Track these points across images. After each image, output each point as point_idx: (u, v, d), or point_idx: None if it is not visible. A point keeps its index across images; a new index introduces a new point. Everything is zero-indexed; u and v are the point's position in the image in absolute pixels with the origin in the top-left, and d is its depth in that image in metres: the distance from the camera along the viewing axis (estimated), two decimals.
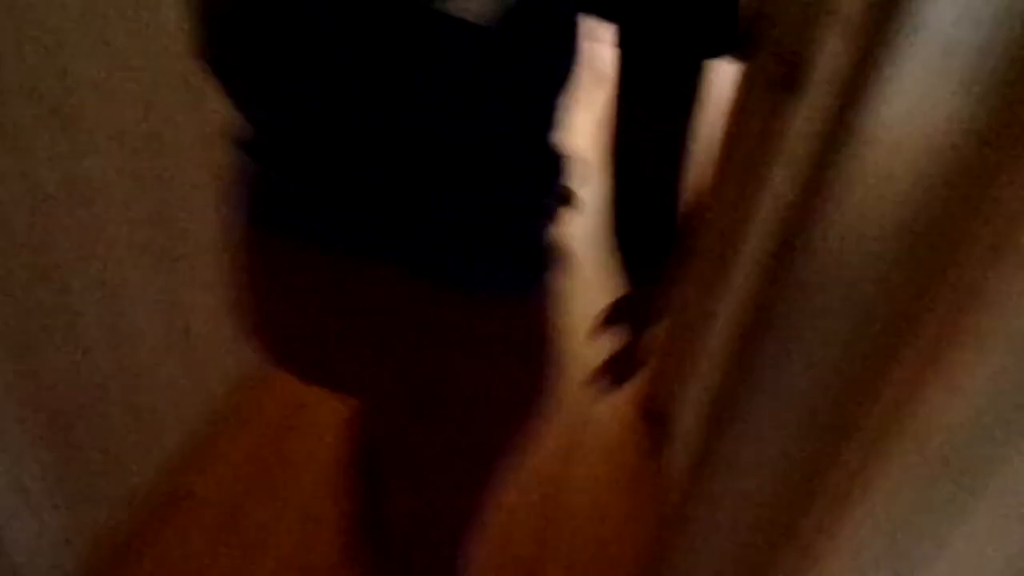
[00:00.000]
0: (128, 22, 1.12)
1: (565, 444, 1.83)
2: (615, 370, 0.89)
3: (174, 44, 1.23)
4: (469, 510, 0.88)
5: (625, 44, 0.64)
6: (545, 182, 0.72)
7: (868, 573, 0.67)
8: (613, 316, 0.85)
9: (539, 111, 0.66)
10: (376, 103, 0.62)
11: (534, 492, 1.69)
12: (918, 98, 0.73)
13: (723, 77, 1.44)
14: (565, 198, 0.75)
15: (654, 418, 1.90)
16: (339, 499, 1.31)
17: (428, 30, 0.57)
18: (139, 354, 1.33)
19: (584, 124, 0.94)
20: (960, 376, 0.53)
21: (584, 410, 1.92)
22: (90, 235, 1.15)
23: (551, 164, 0.72)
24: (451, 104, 0.61)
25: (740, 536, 0.98)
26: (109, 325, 1.23)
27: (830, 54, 1.07)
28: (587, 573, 1.54)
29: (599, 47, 0.68)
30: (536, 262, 0.75)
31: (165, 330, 1.40)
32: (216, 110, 1.32)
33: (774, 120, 1.31)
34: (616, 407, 1.95)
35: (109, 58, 1.10)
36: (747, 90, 1.39)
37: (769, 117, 1.36)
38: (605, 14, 0.62)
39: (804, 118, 1.14)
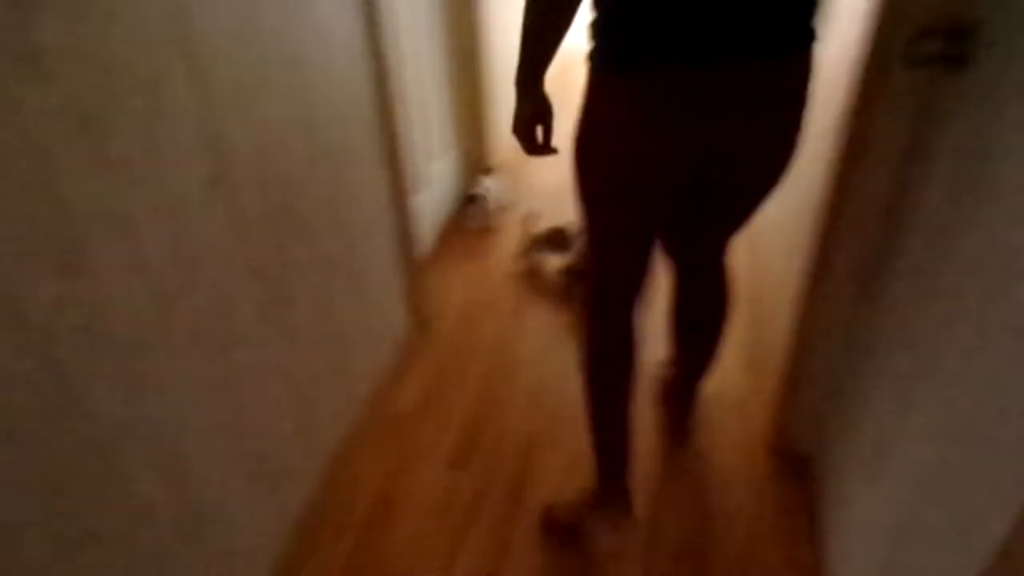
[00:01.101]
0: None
1: (699, 484, 1.61)
2: None
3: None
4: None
5: None
6: None
7: None
8: None
9: None
10: None
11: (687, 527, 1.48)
12: None
13: (835, 60, 1.26)
14: None
15: (783, 456, 1.71)
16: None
17: None
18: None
19: None
20: None
21: (710, 445, 1.71)
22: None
23: None
24: None
25: None
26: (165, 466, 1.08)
27: None
28: None
29: None
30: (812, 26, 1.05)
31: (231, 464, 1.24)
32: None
33: (940, 103, 1.07)
34: (744, 440, 1.74)
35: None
36: (876, 71, 1.15)
37: (927, 101, 1.12)
38: None
39: (992, 100, 0.89)
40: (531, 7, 1.11)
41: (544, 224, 2.38)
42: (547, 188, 2.97)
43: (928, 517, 0.97)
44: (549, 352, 2.09)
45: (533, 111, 1.24)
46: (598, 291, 1.34)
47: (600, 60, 1.11)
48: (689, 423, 1.79)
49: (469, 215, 2.62)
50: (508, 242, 2.59)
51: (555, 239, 2.34)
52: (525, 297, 2.32)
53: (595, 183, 1.21)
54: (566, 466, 1.72)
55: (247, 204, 1.19)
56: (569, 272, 2.30)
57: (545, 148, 1.29)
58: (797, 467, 1.68)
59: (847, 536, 1.33)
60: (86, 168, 0.85)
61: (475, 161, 2.81)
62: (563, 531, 1.53)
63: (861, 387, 1.34)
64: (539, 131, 1.26)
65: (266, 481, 1.35)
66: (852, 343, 1.42)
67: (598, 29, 1.10)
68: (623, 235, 1.26)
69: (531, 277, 2.37)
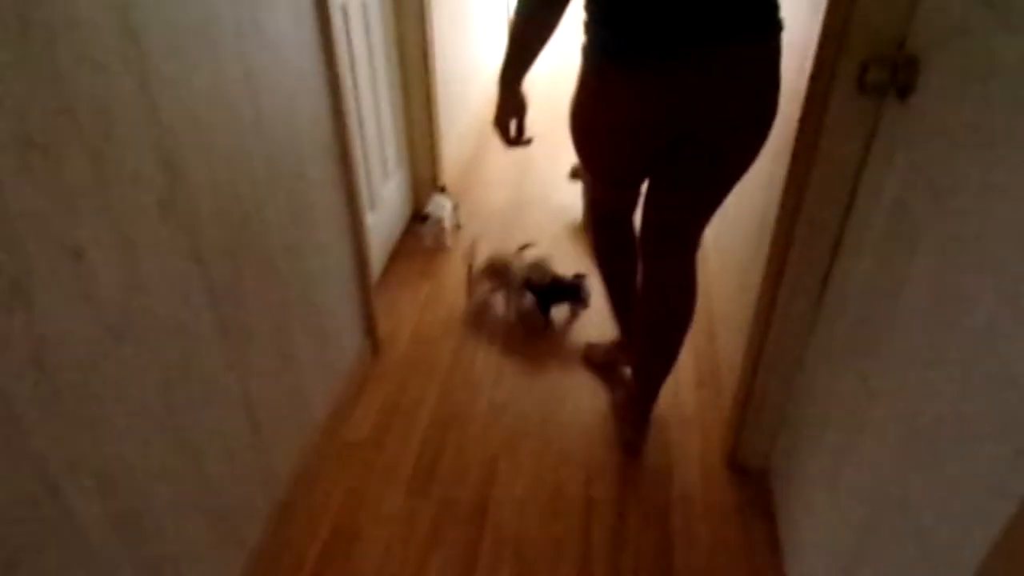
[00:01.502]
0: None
1: (659, 500, 1.63)
2: None
3: None
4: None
5: None
6: None
7: None
8: None
9: None
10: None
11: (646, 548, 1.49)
12: None
13: (787, 87, 1.31)
14: None
15: (741, 471, 1.75)
16: None
17: None
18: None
19: None
20: None
21: (668, 462, 1.73)
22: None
23: None
24: None
25: None
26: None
27: (979, 51, 0.87)
28: None
29: None
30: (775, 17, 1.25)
31: None
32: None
33: (886, 131, 1.12)
34: (702, 457, 1.77)
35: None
36: (822, 100, 1.20)
37: (874, 129, 1.17)
38: None
39: (937, 128, 0.94)
40: (518, 21, 1.31)
41: (485, 251, 2.35)
42: (495, 207, 2.98)
43: (888, 527, 1.00)
44: (505, 370, 2.08)
45: (513, 107, 1.44)
46: (599, 213, 1.72)
47: (593, 53, 1.33)
48: (645, 433, 1.83)
49: (422, 234, 2.60)
50: (460, 262, 2.58)
51: (496, 272, 2.29)
52: (480, 314, 2.31)
53: (591, 145, 1.45)
54: (528, 485, 1.71)
55: (202, 228, 1.15)
56: (518, 312, 2.30)
57: (519, 140, 1.51)
58: (755, 480, 1.71)
59: (808, 547, 1.36)
60: (33, 194, 0.80)
61: (425, 181, 2.80)
62: (600, 367, 2.07)
63: (816, 399, 1.38)
64: (513, 125, 1.48)
65: (222, 514, 1.29)
66: (806, 356, 1.47)
67: (591, 27, 1.31)
68: (615, 182, 1.56)
69: (479, 314, 2.35)
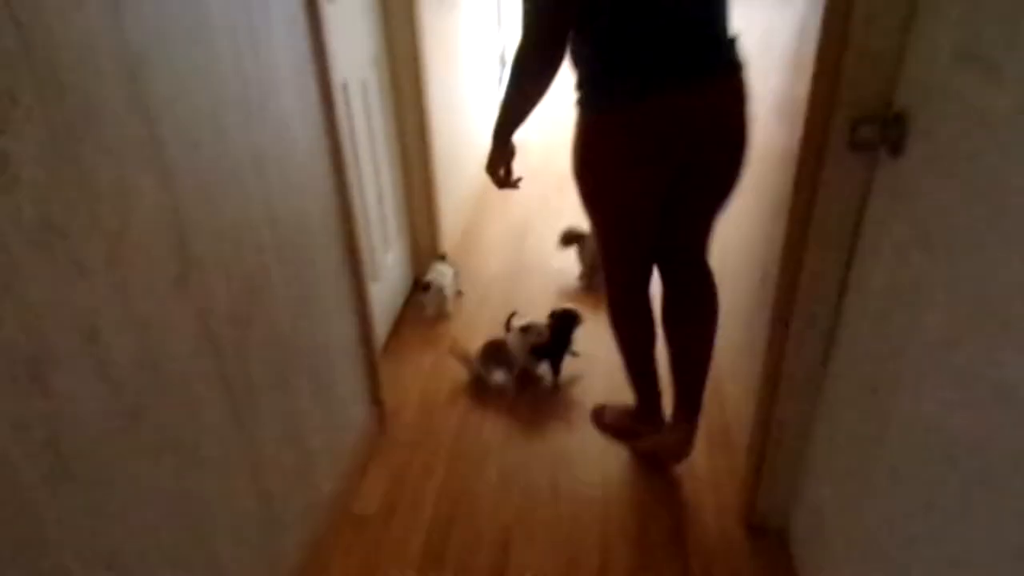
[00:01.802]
0: None
1: (677, 568, 1.58)
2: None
3: None
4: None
5: None
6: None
7: None
8: None
9: None
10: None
11: None
12: None
13: (770, 144, 1.36)
14: None
15: (758, 532, 1.71)
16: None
17: None
18: None
19: None
20: None
21: (683, 526, 1.69)
22: None
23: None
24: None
25: None
26: None
27: (961, 104, 0.91)
28: None
29: None
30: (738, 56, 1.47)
31: None
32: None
33: (880, 187, 1.15)
34: (718, 519, 1.73)
35: None
36: (816, 157, 1.23)
37: (868, 185, 1.20)
38: None
39: (929, 182, 0.97)
40: (511, 88, 1.47)
41: (469, 331, 2.35)
42: (494, 273, 3.01)
43: None
44: (514, 437, 2.06)
45: (504, 156, 1.65)
46: (621, 288, 1.78)
47: (601, 99, 1.47)
48: (693, 438, 1.88)
49: (424, 303, 2.61)
50: (463, 328, 2.58)
51: (493, 353, 2.27)
52: (484, 384, 2.30)
53: (611, 192, 1.58)
54: (543, 556, 1.67)
55: (212, 305, 1.16)
56: (518, 380, 2.29)
57: (509, 181, 1.70)
58: (775, 541, 1.67)
59: None
60: (53, 277, 0.82)
61: (426, 250, 2.83)
62: (609, 428, 2.08)
63: (832, 456, 1.37)
64: (502, 171, 1.67)
65: None
66: (818, 411, 1.46)
67: (594, 77, 1.47)
68: (635, 234, 1.65)
69: (480, 392, 2.33)
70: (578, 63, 1.47)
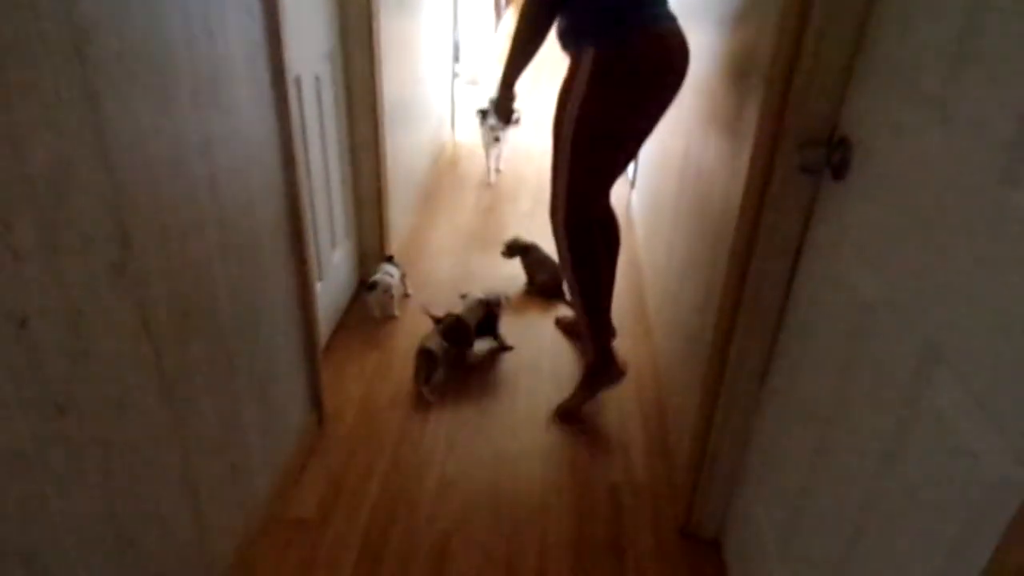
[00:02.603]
0: None
1: (613, 573, 1.60)
2: None
3: None
4: None
5: None
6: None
7: None
8: None
9: None
10: None
11: None
12: None
13: (725, 166, 1.40)
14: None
15: (694, 541, 1.75)
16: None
17: None
18: None
19: None
20: None
21: (620, 532, 1.71)
22: None
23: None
24: None
25: None
26: None
27: (902, 132, 0.95)
28: None
29: None
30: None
31: None
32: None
33: (826, 212, 1.19)
34: (655, 528, 1.75)
35: None
36: (764, 179, 1.27)
37: (813, 208, 1.24)
38: None
39: (879, 209, 1.01)
40: (520, 36, 1.79)
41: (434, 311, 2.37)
42: (442, 277, 2.99)
43: None
44: (456, 442, 2.05)
45: (511, 98, 1.99)
46: (595, 213, 1.99)
47: (608, 33, 1.68)
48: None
49: (370, 303, 2.57)
50: (409, 331, 2.56)
51: (455, 328, 2.33)
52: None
53: (615, 123, 1.79)
54: (482, 557, 1.66)
55: (151, 296, 1.11)
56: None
57: (512, 120, 2.14)
58: (709, 549, 1.71)
59: None
60: None
61: (373, 251, 2.80)
62: (575, 417, 2.16)
63: (767, 468, 1.41)
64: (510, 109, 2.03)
65: None
66: (755, 424, 1.50)
67: (596, 21, 1.70)
68: (632, 155, 1.96)
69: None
70: (581, 10, 1.72)
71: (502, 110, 2.03)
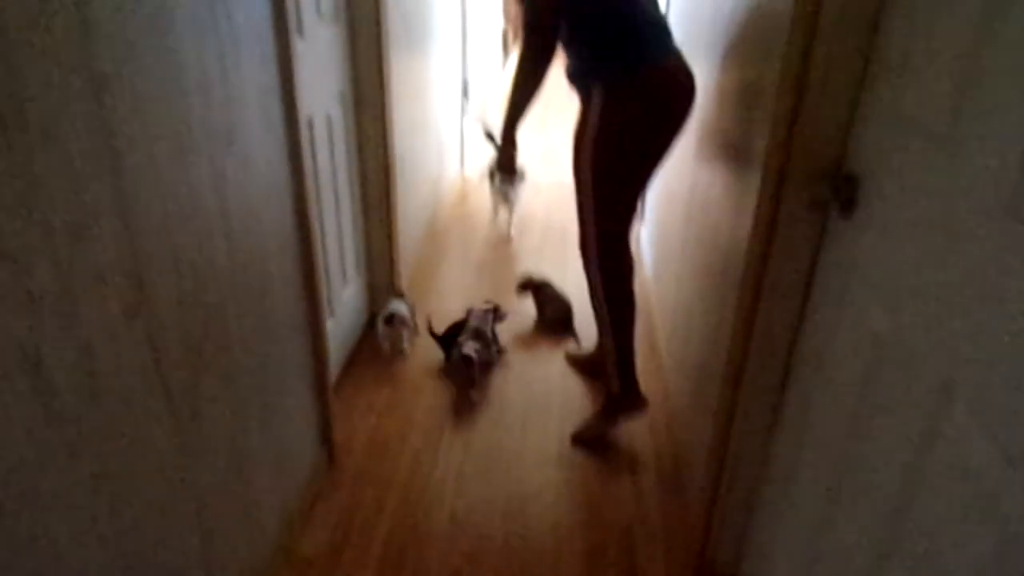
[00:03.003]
0: None
1: None
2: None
3: None
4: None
5: None
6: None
7: None
8: None
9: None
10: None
11: None
12: None
13: (735, 202, 1.41)
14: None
15: (708, 574, 1.70)
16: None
17: None
18: None
19: None
20: None
21: (633, 571, 1.69)
22: None
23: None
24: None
25: None
26: None
27: (909, 168, 0.96)
28: None
29: None
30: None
31: None
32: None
33: (835, 249, 1.19)
34: (668, 566, 1.72)
35: None
36: (772, 215, 1.28)
37: (822, 246, 1.24)
38: None
39: (886, 247, 1.01)
40: (518, 89, 1.80)
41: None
42: (453, 314, 3.00)
43: None
44: (467, 479, 2.03)
45: (513, 150, 1.98)
46: (624, 242, 1.93)
47: (620, 68, 1.71)
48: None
49: (380, 339, 2.58)
50: (419, 367, 2.56)
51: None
52: (439, 422, 2.27)
53: (631, 154, 1.80)
54: None
55: (164, 336, 1.12)
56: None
57: (516, 175, 2.37)
58: None
59: None
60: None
61: (383, 287, 2.81)
62: (594, 444, 2.17)
63: (783, 502, 1.39)
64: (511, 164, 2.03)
65: None
66: (768, 461, 1.48)
67: (606, 57, 1.72)
68: (637, 196, 1.90)
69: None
70: (587, 50, 1.75)
71: (505, 163, 2.02)
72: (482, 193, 4.38)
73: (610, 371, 2.10)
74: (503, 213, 3.84)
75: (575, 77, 1.83)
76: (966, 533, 0.77)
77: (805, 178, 1.20)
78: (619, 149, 1.79)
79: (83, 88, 0.90)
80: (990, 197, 0.77)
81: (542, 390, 2.44)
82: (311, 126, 2.00)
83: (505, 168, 2.04)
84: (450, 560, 1.75)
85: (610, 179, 1.82)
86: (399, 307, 2.59)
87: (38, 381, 0.85)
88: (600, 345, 2.14)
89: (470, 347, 2.37)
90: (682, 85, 1.77)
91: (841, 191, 1.13)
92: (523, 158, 2.12)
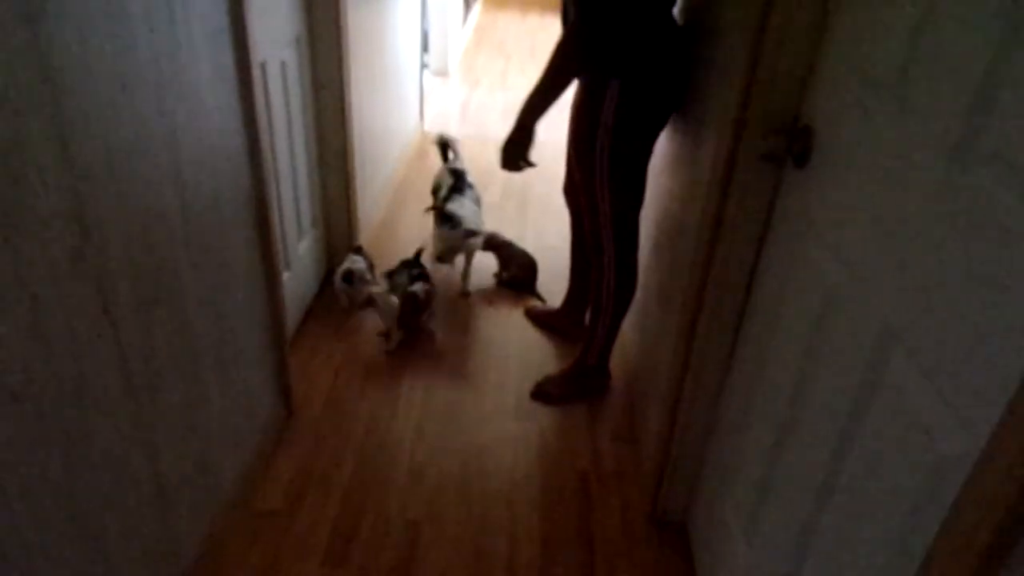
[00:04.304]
0: None
1: (582, 559, 1.62)
2: None
3: None
4: None
5: None
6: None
7: None
8: None
9: None
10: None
11: None
12: None
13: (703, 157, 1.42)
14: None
15: (661, 526, 1.77)
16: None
17: None
18: None
19: None
20: None
21: (588, 518, 1.73)
22: None
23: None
24: None
25: None
26: None
27: (860, 119, 0.98)
28: None
29: None
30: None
31: None
32: None
33: (789, 199, 1.22)
34: (622, 514, 1.78)
35: None
36: (728, 167, 1.29)
37: (777, 195, 1.26)
38: None
39: (839, 195, 1.03)
40: (551, 80, 1.72)
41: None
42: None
43: (808, 573, 1.04)
44: (425, 431, 2.05)
45: (529, 140, 1.83)
46: (633, 227, 1.92)
47: (634, 67, 1.70)
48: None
49: (339, 292, 2.55)
50: (376, 320, 2.54)
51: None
52: (397, 375, 2.27)
53: (645, 144, 1.83)
54: (452, 545, 1.67)
55: (113, 283, 1.09)
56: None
57: (528, 163, 1.88)
58: (676, 534, 1.74)
59: None
60: None
61: (340, 241, 2.77)
62: (551, 400, 2.20)
63: (731, 451, 1.43)
64: (522, 154, 1.86)
65: None
66: (720, 407, 1.53)
67: (627, 56, 1.69)
68: (643, 185, 1.89)
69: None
70: (603, 41, 1.67)
71: (513, 154, 1.84)
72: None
73: (593, 347, 2.13)
74: (450, 265, 2.83)
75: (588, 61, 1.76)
76: (903, 467, 0.81)
77: (762, 129, 1.22)
78: (639, 134, 1.79)
79: (14, 17, 0.85)
80: (935, 147, 0.79)
81: (501, 345, 2.46)
82: (264, 71, 1.93)
83: (512, 162, 1.85)
84: (409, 510, 1.77)
85: (627, 163, 1.81)
86: (357, 263, 2.56)
87: None
88: (591, 323, 2.11)
89: (417, 287, 2.38)
90: (687, 70, 1.77)
91: (796, 143, 1.15)
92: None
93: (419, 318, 2.40)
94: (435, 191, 2.86)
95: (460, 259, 2.76)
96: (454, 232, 2.55)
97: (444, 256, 2.66)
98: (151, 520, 1.28)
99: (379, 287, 2.40)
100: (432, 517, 1.76)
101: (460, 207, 2.61)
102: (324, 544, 1.66)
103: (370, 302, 2.38)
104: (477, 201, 2.81)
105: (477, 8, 7.05)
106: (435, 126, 4.65)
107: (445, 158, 2.99)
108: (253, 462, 1.78)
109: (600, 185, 1.82)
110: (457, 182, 2.79)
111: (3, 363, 0.86)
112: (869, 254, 0.93)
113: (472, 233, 2.57)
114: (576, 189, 2.03)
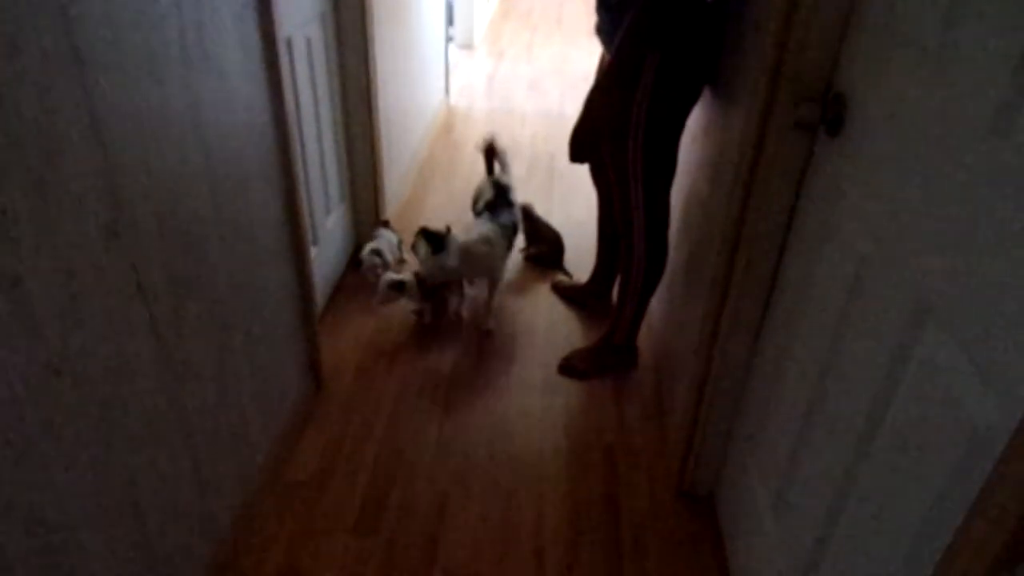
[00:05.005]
0: None
1: (610, 534, 1.63)
2: None
3: None
4: None
5: None
6: None
7: None
8: None
9: None
10: None
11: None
12: None
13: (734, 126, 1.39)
14: None
15: (689, 499, 1.77)
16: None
17: None
18: None
19: None
20: None
21: (616, 493, 1.74)
22: None
23: None
24: None
25: None
26: None
27: (897, 84, 0.94)
28: None
29: None
30: None
31: None
32: None
33: (821, 168, 1.19)
34: (650, 487, 1.79)
35: None
36: (759, 135, 1.26)
37: (808, 165, 1.24)
38: None
39: (873, 164, 1.00)
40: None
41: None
42: None
43: (835, 551, 1.04)
44: (454, 404, 2.07)
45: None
46: (666, 193, 1.89)
47: (671, 42, 1.69)
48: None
49: (366, 266, 2.57)
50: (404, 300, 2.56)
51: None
52: (425, 350, 2.29)
53: (680, 119, 1.82)
54: (480, 517, 1.69)
55: (145, 259, 1.11)
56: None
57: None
58: (704, 508, 1.74)
59: (756, 565, 1.38)
60: None
61: (368, 216, 2.79)
62: (576, 375, 2.20)
63: (760, 426, 1.42)
64: None
65: (160, 559, 1.22)
66: (748, 384, 1.51)
67: (665, 32, 1.70)
68: (675, 161, 1.88)
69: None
70: (643, 14, 1.69)
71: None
72: (469, 122, 4.30)
73: (621, 326, 2.13)
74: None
75: (624, 38, 1.74)
76: (935, 439, 0.80)
77: (794, 97, 1.18)
78: (676, 108, 1.79)
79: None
80: (976, 114, 0.76)
81: (527, 320, 2.46)
82: (290, 47, 1.93)
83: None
84: (437, 483, 1.80)
85: (662, 138, 1.80)
86: (387, 237, 2.57)
87: (17, 300, 0.84)
88: (619, 302, 2.10)
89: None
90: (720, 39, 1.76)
91: (828, 110, 1.12)
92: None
93: (441, 290, 2.38)
94: (474, 202, 2.62)
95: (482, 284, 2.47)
96: (438, 260, 2.24)
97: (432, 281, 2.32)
98: (186, 488, 1.31)
99: (404, 275, 2.34)
100: (459, 490, 1.78)
101: (455, 239, 2.28)
102: (354, 515, 1.69)
103: (398, 287, 2.31)
104: (512, 227, 2.46)
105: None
106: (461, 99, 4.62)
107: (490, 170, 2.68)
108: (284, 435, 1.81)
109: (634, 162, 1.80)
110: (497, 198, 2.49)
111: (45, 339, 0.89)
112: (904, 224, 0.90)
113: (452, 271, 2.27)
114: (603, 167, 2.01)
